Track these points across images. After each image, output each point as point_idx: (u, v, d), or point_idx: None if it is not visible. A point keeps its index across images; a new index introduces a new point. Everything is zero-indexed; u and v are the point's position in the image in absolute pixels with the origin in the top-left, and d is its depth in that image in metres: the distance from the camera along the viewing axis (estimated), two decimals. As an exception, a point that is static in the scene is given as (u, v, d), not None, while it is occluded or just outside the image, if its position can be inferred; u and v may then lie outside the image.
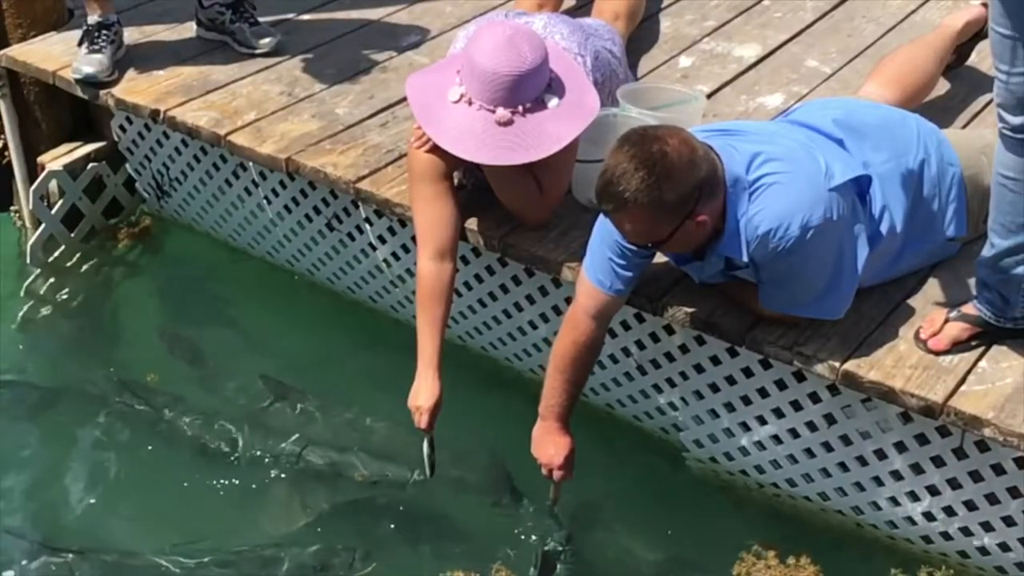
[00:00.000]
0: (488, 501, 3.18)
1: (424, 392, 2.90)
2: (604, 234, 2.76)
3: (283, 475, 3.29)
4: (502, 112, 2.88)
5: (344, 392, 3.53)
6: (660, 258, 2.94)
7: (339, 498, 3.22)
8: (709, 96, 3.71)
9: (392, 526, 3.14)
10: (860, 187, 2.74)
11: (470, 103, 2.90)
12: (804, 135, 2.79)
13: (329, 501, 3.21)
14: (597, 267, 2.80)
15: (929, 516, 2.93)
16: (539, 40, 2.93)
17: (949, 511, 2.89)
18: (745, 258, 2.65)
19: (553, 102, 2.93)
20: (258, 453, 3.34)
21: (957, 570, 2.95)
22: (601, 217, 2.76)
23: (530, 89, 2.89)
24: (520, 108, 2.89)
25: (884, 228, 2.79)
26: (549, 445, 2.92)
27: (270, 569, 3.02)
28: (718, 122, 3.26)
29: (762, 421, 3.06)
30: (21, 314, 3.96)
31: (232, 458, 3.34)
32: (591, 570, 3.05)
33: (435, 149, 2.99)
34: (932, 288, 2.96)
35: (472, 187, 3.29)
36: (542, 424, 2.93)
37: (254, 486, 3.27)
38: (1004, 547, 2.86)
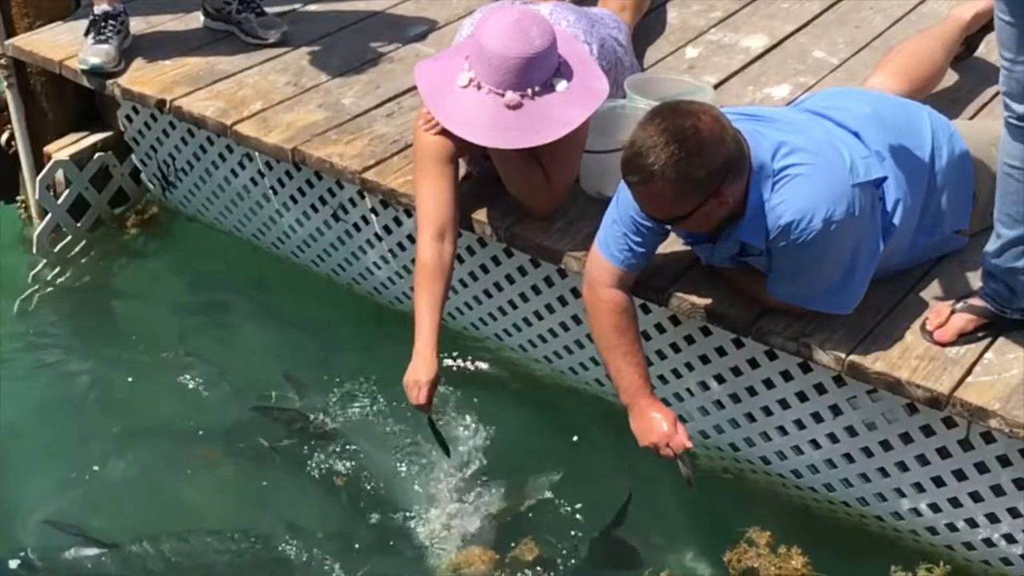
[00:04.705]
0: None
1: (422, 368, 2.87)
2: (620, 210, 2.75)
3: (287, 467, 3.30)
4: (511, 96, 2.87)
5: (346, 383, 3.53)
6: (666, 248, 2.94)
7: (349, 485, 3.24)
8: (716, 87, 3.70)
9: (411, 507, 3.16)
10: (876, 182, 2.73)
11: (479, 87, 2.90)
12: (826, 127, 2.78)
13: (339, 487, 3.24)
14: (611, 242, 2.79)
15: (934, 507, 2.93)
16: (547, 24, 2.93)
17: (955, 502, 2.89)
18: (763, 246, 2.65)
19: (562, 85, 2.92)
20: (265, 443, 3.36)
21: (961, 563, 2.95)
22: (618, 193, 2.76)
23: (539, 72, 2.88)
24: (529, 91, 2.88)
25: (897, 221, 2.78)
26: (652, 424, 2.76)
27: (302, 554, 3.06)
28: (744, 106, 3.24)
29: (767, 412, 3.06)
30: (27, 303, 3.96)
31: (245, 449, 3.36)
32: (592, 555, 3.06)
33: (443, 132, 2.99)
34: (939, 279, 2.95)
35: (478, 175, 3.28)
36: (632, 411, 2.81)
37: (260, 478, 3.30)
38: (1009, 538, 2.85)
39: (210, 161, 3.93)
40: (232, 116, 3.65)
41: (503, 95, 2.87)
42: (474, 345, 3.59)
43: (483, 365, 3.54)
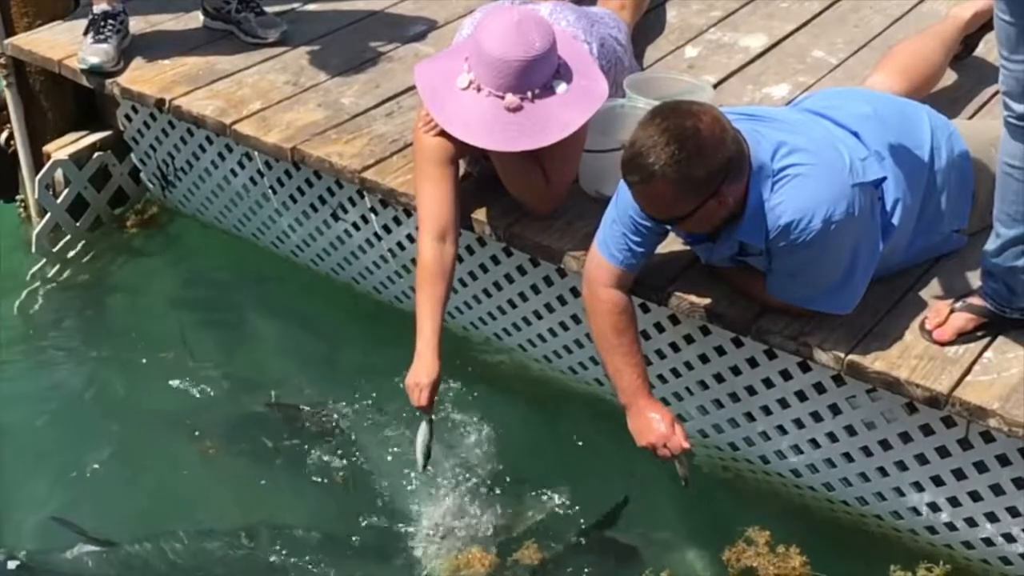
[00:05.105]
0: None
1: (423, 370, 2.88)
2: (620, 210, 2.75)
3: (287, 466, 3.31)
4: (511, 98, 2.87)
5: (347, 382, 3.53)
6: (665, 248, 2.94)
7: (349, 485, 3.24)
8: (715, 86, 3.70)
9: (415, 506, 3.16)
10: (875, 183, 2.73)
11: (479, 90, 2.90)
12: (826, 127, 2.78)
13: (339, 487, 3.25)
14: (610, 242, 2.80)
15: (934, 507, 2.93)
16: (548, 26, 2.93)
17: (954, 501, 2.89)
18: (763, 246, 2.65)
19: (561, 88, 2.92)
20: (268, 443, 3.36)
21: (961, 563, 2.95)
22: (617, 193, 2.76)
23: (539, 75, 2.88)
24: (529, 94, 2.88)
25: (896, 221, 2.78)
26: (650, 424, 2.77)
27: (306, 550, 3.06)
28: (743, 106, 3.24)
29: (767, 411, 3.06)
30: (27, 303, 3.97)
31: (246, 448, 3.37)
32: (592, 554, 3.05)
33: (443, 133, 2.99)
34: (938, 278, 2.95)
35: (478, 175, 3.29)
36: (629, 411, 2.81)
37: (260, 477, 3.30)
38: (1009, 537, 2.85)
39: (209, 160, 3.93)
40: (231, 115, 3.65)
41: (503, 98, 2.87)
42: (474, 345, 3.59)
43: (483, 365, 3.54)
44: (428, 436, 2.93)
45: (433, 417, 2.95)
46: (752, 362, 3.00)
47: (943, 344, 2.75)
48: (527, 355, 3.51)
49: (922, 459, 2.87)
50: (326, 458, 3.29)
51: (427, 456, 2.95)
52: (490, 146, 2.94)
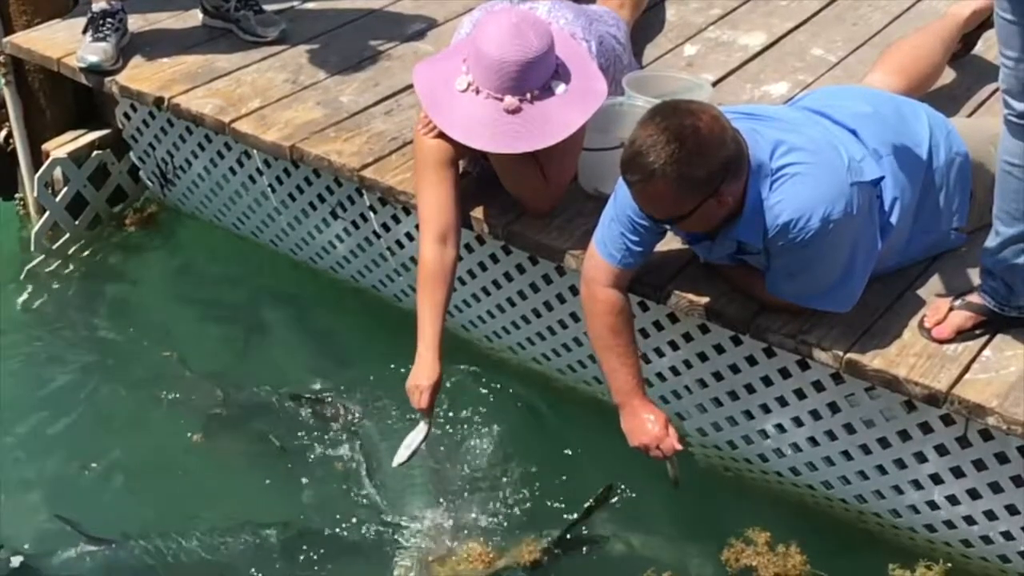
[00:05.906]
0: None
1: (424, 372, 2.89)
2: (618, 209, 2.75)
3: (288, 461, 3.31)
4: (510, 100, 2.87)
5: (349, 378, 3.54)
6: (664, 246, 2.94)
7: (349, 481, 3.24)
8: (714, 84, 3.70)
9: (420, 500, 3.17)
10: (874, 182, 2.73)
11: (477, 92, 2.90)
12: (824, 126, 2.78)
13: (339, 483, 3.25)
14: (608, 242, 2.80)
15: (932, 505, 2.93)
16: (545, 27, 2.93)
17: (952, 500, 2.89)
18: (761, 245, 2.65)
19: (560, 88, 2.93)
20: (275, 441, 3.37)
21: (959, 560, 2.95)
22: (615, 192, 2.76)
23: (537, 76, 2.88)
24: (527, 95, 2.88)
25: (894, 219, 2.78)
26: (643, 424, 2.79)
27: (313, 545, 3.07)
28: (742, 105, 3.24)
29: (766, 409, 3.06)
30: (25, 301, 3.97)
31: (247, 444, 3.38)
32: (592, 554, 3.06)
33: (442, 135, 2.99)
34: (937, 277, 2.96)
35: (477, 175, 3.29)
36: (623, 411, 2.83)
37: (260, 472, 3.30)
38: (1007, 536, 2.85)
39: (208, 159, 3.92)
40: (230, 113, 3.65)
41: (502, 99, 2.88)
42: (474, 344, 3.59)
43: (483, 364, 3.53)
44: (422, 438, 2.94)
45: (432, 420, 2.95)
46: (751, 360, 3.00)
47: (942, 342, 2.75)
48: (526, 353, 3.51)
49: (921, 457, 2.87)
50: (327, 454, 3.30)
51: (411, 455, 2.95)
52: (491, 148, 2.95)
